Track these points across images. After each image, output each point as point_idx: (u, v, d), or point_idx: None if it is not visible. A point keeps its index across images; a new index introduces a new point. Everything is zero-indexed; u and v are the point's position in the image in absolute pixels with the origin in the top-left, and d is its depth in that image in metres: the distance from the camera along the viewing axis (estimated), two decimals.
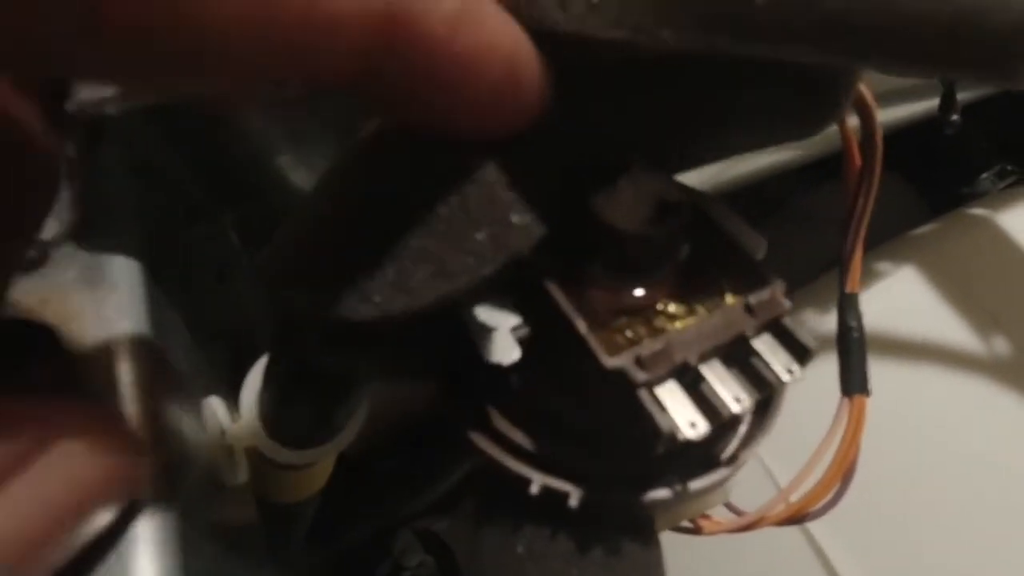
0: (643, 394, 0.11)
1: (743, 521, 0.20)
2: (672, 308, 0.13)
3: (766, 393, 0.12)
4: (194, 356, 0.16)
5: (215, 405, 0.16)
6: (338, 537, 0.36)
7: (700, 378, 0.12)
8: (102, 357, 0.11)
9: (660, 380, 0.11)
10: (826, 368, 0.39)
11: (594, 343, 0.12)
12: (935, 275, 0.43)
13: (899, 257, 0.44)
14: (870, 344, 0.21)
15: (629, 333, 0.12)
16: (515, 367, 0.13)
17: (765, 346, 0.12)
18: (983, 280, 0.43)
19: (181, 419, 0.13)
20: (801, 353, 0.12)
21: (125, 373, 0.11)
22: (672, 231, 0.12)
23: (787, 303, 0.13)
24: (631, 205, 0.12)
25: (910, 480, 0.35)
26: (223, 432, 0.16)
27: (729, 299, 0.13)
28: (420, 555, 0.48)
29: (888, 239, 0.47)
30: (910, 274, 0.43)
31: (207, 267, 0.25)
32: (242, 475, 0.16)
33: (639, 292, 0.13)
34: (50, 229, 0.13)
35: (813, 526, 0.33)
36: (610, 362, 0.11)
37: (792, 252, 0.42)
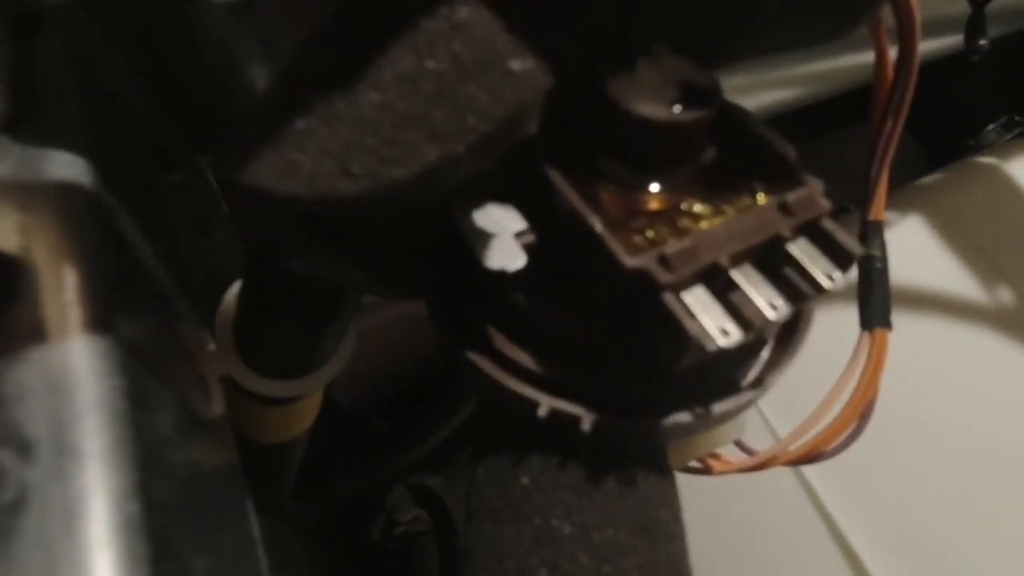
0: (668, 298, 0.10)
1: (754, 460, 0.19)
2: (698, 208, 0.11)
3: (803, 303, 0.11)
4: (161, 278, 0.14)
5: (186, 330, 0.14)
6: (329, 489, 0.35)
7: (731, 285, 0.10)
8: (42, 260, 0.10)
9: (687, 283, 0.10)
10: (829, 314, 0.38)
11: (611, 242, 0.10)
12: (941, 224, 0.42)
13: (905, 206, 0.43)
14: None
15: (650, 234, 0.11)
16: (519, 279, 0.11)
17: (802, 252, 0.11)
18: (989, 230, 0.42)
19: (145, 342, 0.12)
20: (842, 258, 0.11)
21: (70, 278, 0.10)
22: (698, 119, 0.11)
23: (827, 203, 0.11)
24: (652, 89, 0.11)
25: (909, 429, 0.34)
26: (195, 359, 0.14)
27: (761, 199, 0.11)
28: (414, 510, 0.48)
29: (893, 189, 0.46)
30: (916, 223, 0.42)
31: (184, 218, 0.23)
32: (217, 406, 0.14)
33: (660, 191, 0.11)
34: None
35: (811, 475, 0.33)
36: (631, 262, 0.10)
37: None
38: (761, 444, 0.20)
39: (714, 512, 0.33)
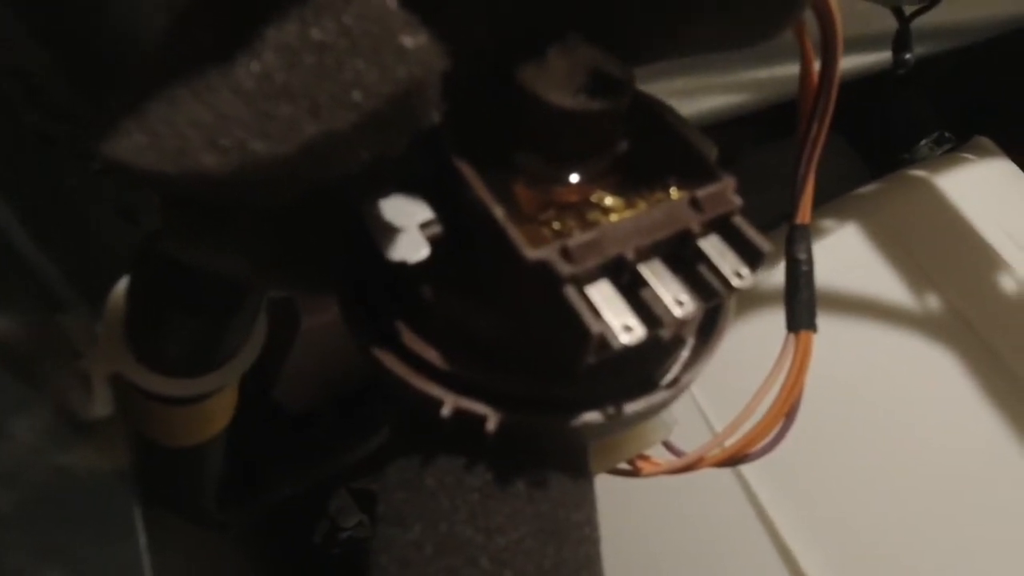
0: (569, 291, 0.09)
1: (682, 462, 0.19)
2: (609, 201, 0.11)
3: (712, 300, 0.10)
4: (42, 268, 0.13)
5: (66, 323, 0.13)
6: (260, 492, 0.33)
7: (639, 281, 0.10)
8: None
9: (590, 277, 0.10)
10: (766, 313, 0.39)
11: (513, 232, 0.10)
12: (874, 232, 0.43)
13: (842, 215, 0.44)
14: None
15: (557, 226, 0.10)
16: (425, 272, 0.11)
17: (712, 248, 0.11)
18: (919, 240, 0.43)
19: (13, 336, 0.11)
20: (752, 255, 0.11)
21: None
22: (610, 108, 0.10)
23: (738, 199, 0.11)
24: (564, 77, 0.10)
25: (842, 430, 0.35)
26: (77, 355, 0.13)
27: (674, 193, 0.11)
28: (358, 515, 0.47)
29: (832, 198, 0.48)
30: (851, 232, 0.43)
31: (106, 206, 0.21)
32: (101, 408, 0.13)
33: (570, 182, 0.11)
34: None
35: (748, 473, 0.33)
36: (531, 254, 0.09)
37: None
38: (700, 441, 0.20)
39: (651, 510, 0.34)
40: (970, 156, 0.50)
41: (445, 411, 0.11)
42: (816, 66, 0.18)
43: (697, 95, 0.33)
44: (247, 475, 0.32)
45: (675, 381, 0.13)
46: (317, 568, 0.46)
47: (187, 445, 0.18)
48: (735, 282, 0.10)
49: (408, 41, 0.08)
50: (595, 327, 0.09)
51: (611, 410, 0.11)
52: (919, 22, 0.30)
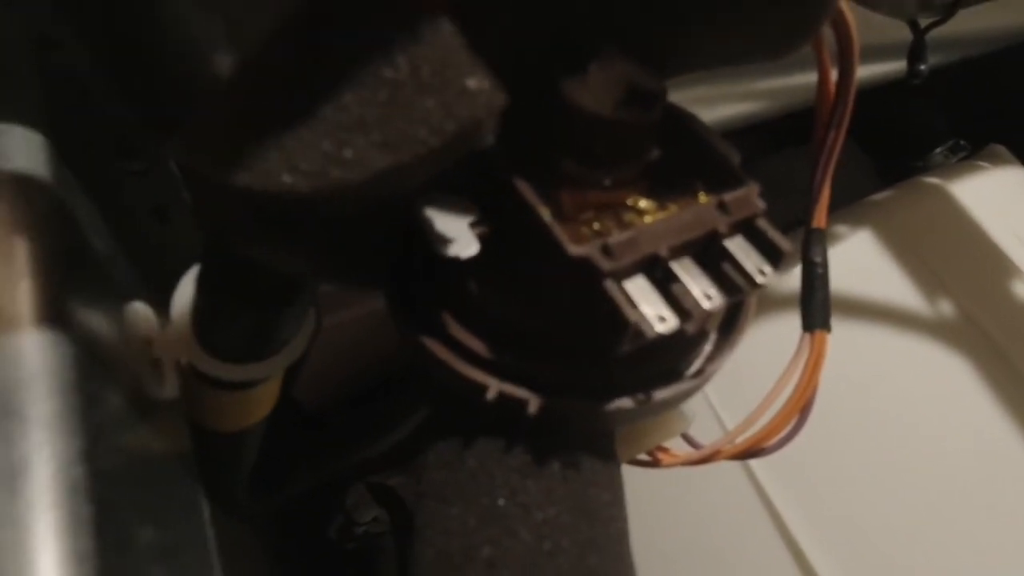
0: (609, 285, 0.10)
1: (700, 454, 0.20)
2: (643, 204, 0.12)
3: (737, 295, 0.11)
4: (118, 260, 0.14)
5: (140, 311, 0.14)
6: (287, 484, 0.34)
7: (670, 276, 0.11)
8: None
9: (628, 272, 0.11)
10: (780, 317, 0.39)
11: (558, 232, 0.11)
12: (888, 238, 0.44)
13: (857, 221, 0.45)
14: None
15: (596, 226, 0.11)
16: (472, 267, 0.12)
17: (738, 247, 0.12)
18: (931, 244, 0.44)
19: (96, 321, 0.12)
20: (774, 255, 0.12)
21: (20, 250, 0.10)
22: (645, 118, 0.11)
23: (761, 203, 0.12)
24: (602, 89, 0.11)
25: (854, 430, 0.36)
26: (149, 341, 0.14)
27: (702, 198, 0.12)
28: (374, 510, 0.47)
29: (847, 205, 0.48)
30: (866, 236, 0.44)
31: (143, 205, 0.22)
32: (169, 389, 0.14)
33: (607, 186, 0.12)
34: None
35: (758, 470, 0.34)
36: (575, 250, 0.10)
37: None
38: (713, 438, 0.20)
39: (667, 502, 0.34)
40: (984, 164, 0.50)
41: (490, 395, 0.12)
42: (833, 76, 0.19)
43: (716, 103, 0.34)
44: (269, 470, 0.33)
45: (699, 372, 0.13)
46: (331, 562, 0.47)
47: (231, 430, 0.19)
48: (758, 279, 0.11)
49: (472, 83, 0.09)
50: (632, 316, 0.10)
51: (641, 396, 0.12)
52: (934, 33, 0.30)
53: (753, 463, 0.34)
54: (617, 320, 0.10)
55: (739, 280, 0.11)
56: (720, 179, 0.12)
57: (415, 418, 0.38)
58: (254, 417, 0.19)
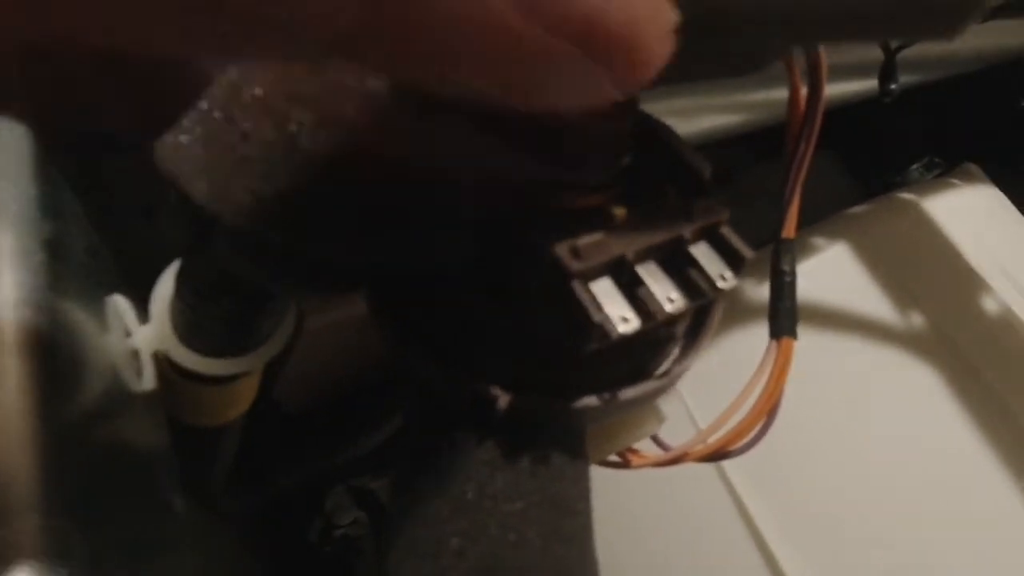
0: (577, 285, 0.11)
1: (669, 455, 0.20)
2: (613, 208, 0.12)
3: (700, 300, 0.12)
4: (100, 253, 0.14)
5: (120, 304, 0.14)
6: (266, 483, 0.34)
7: (636, 280, 0.12)
8: None
9: (595, 274, 0.11)
10: (752, 325, 0.40)
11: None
12: (863, 251, 0.45)
13: (833, 233, 0.46)
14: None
15: None
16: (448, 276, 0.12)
17: (701, 254, 0.12)
18: (905, 260, 0.45)
19: (76, 312, 0.12)
20: (736, 261, 0.12)
21: (4, 244, 0.10)
22: (613, 127, 0.12)
23: (725, 211, 0.12)
24: None
25: (823, 436, 0.37)
26: (128, 334, 0.14)
27: (670, 204, 0.13)
28: (353, 512, 0.47)
29: (821, 219, 0.49)
30: (840, 250, 0.45)
31: (133, 203, 0.23)
32: (147, 381, 0.14)
33: (580, 191, 0.12)
34: None
35: (730, 472, 0.35)
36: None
37: None
38: (687, 438, 0.21)
39: (641, 505, 0.35)
40: (957, 182, 0.52)
41: (463, 392, 0.12)
42: (803, 92, 0.19)
43: (696, 115, 0.34)
44: (249, 468, 0.33)
45: (666, 373, 0.14)
46: (311, 566, 0.47)
47: (210, 425, 0.19)
48: (720, 284, 0.12)
49: None
50: (597, 317, 0.11)
51: (607, 395, 0.13)
52: (907, 53, 0.32)
53: (727, 467, 0.34)
54: (583, 320, 0.11)
55: (702, 284, 0.12)
56: (688, 187, 0.13)
57: (396, 421, 0.38)
58: (233, 412, 0.19)
